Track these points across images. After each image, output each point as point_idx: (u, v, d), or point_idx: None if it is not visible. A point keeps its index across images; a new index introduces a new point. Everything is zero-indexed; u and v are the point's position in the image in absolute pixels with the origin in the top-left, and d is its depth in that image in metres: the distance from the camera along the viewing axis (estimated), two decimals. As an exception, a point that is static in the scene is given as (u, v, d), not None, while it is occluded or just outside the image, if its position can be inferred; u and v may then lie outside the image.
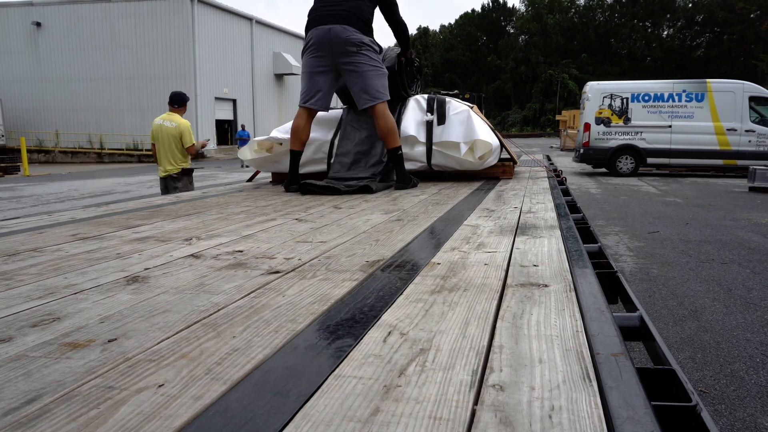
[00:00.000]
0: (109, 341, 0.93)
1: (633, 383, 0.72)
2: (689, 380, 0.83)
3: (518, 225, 2.08)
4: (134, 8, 26.01)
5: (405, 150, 3.86)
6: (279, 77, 32.88)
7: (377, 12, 3.55)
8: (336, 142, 3.87)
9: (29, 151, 23.35)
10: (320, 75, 3.42)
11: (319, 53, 3.37)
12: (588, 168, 16.53)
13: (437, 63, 75.15)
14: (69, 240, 1.95)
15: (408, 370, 0.78)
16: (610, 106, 14.63)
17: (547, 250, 1.61)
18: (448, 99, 4.12)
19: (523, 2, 72.69)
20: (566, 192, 3.49)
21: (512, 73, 67.46)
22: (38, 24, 27.27)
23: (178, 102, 6.02)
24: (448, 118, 3.92)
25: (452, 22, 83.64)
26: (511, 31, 74.59)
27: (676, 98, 14.18)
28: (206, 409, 0.68)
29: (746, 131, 13.76)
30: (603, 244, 1.90)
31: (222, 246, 1.77)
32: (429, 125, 3.92)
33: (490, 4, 75.43)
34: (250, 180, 5.27)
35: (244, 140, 18.11)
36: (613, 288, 1.42)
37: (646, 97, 14.38)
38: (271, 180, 4.51)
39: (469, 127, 3.82)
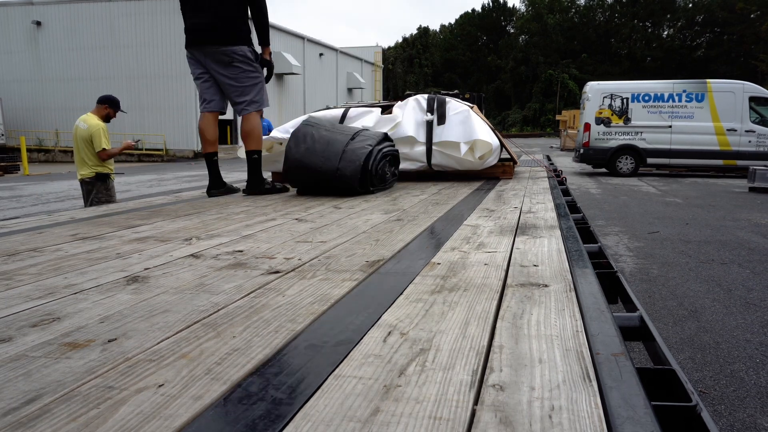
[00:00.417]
0: (109, 341, 0.93)
1: (633, 383, 0.72)
2: (689, 380, 0.82)
3: (518, 225, 2.08)
4: (134, 7, 26.00)
5: (405, 150, 3.86)
6: (279, 77, 32.87)
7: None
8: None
9: (29, 151, 23.35)
10: (206, 82, 3.48)
11: (197, 64, 3.44)
12: (588, 168, 16.53)
13: (437, 63, 75.15)
14: (69, 240, 1.95)
15: (408, 370, 0.78)
16: (610, 106, 14.62)
17: (547, 250, 1.61)
18: (448, 99, 4.12)
19: (524, 2, 72.75)
20: (566, 192, 3.49)
21: (512, 73, 67.47)
22: (38, 23, 27.27)
23: (99, 101, 5.52)
24: (448, 118, 3.92)
25: (452, 21, 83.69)
26: (512, 31, 74.59)
27: (676, 98, 14.18)
28: (206, 409, 0.68)
29: (746, 131, 13.75)
30: (603, 244, 1.90)
31: (222, 246, 1.77)
32: (429, 125, 3.91)
33: (491, 4, 75.43)
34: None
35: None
36: (613, 288, 1.42)
37: (647, 97, 14.37)
38: (271, 180, 4.51)
39: (469, 127, 3.82)
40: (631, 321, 1.09)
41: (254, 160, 3.52)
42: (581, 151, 15.14)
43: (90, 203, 5.39)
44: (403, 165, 3.86)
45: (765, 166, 12.15)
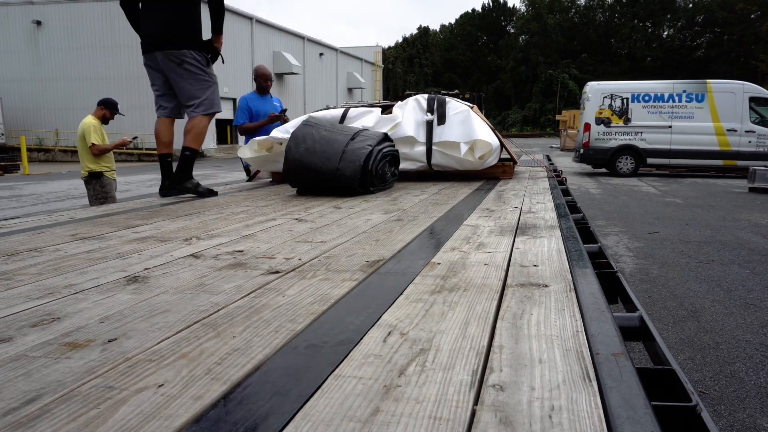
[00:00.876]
0: (109, 341, 0.93)
1: (633, 383, 0.72)
2: (689, 380, 0.83)
3: (518, 225, 2.08)
4: (134, 7, 25.96)
5: (405, 150, 3.86)
6: (279, 76, 32.86)
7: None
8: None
9: (29, 150, 23.34)
10: (160, 89, 3.54)
11: (153, 70, 3.50)
12: (588, 168, 16.53)
13: (437, 63, 75.13)
14: (69, 240, 1.95)
15: (408, 370, 0.78)
16: (610, 106, 14.62)
17: (547, 250, 1.61)
18: (448, 99, 4.12)
19: (524, 2, 72.71)
20: (566, 192, 3.49)
21: (512, 73, 67.44)
22: (38, 23, 27.25)
23: (98, 103, 5.67)
24: (448, 118, 3.92)
25: (452, 21, 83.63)
26: (512, 31, 74.55)
27: (676, 98, 14.18)
28: (206, 409, 0.68)
29: (746, 132, 13.75)
30: (603, 244, 1.90)
31: (222, 246, 1.77)
32: (429, 125, 3.91)
33: (491, 4, 75.41)
34: (250, 179, 5.27)
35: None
36: (613, 288, 1.42)
37: (647, 98, 14.37)
38: (271, 180, 4.51)
39: (469, 127, 3.82)
40: (631, 321, 1.10)
41: (185, 156, 3.54)
42: (581, 151, 15.14)
43: (90, 203, 5.52)
44: (403, 165, 3.86)
45: (765, 166, 12.15)
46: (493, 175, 4.16)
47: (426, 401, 0.69)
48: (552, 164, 5.72)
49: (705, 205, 9.61)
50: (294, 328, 0.98)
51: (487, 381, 0.74)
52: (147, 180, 15.06)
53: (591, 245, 1.83)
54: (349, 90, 43.83)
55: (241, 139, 5.45)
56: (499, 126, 54.17)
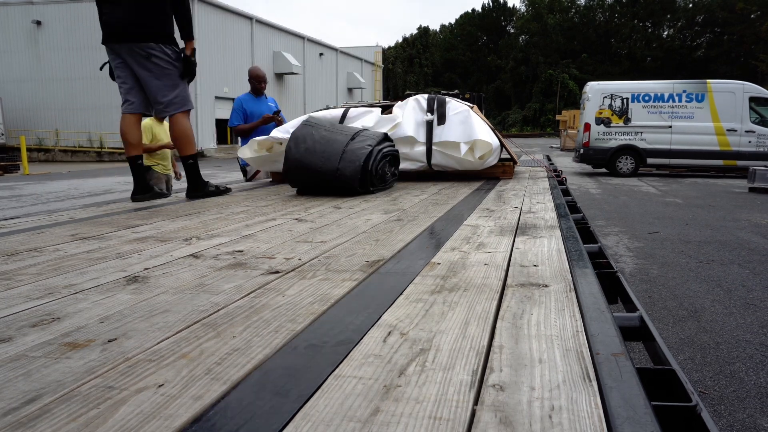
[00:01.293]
0: (109, 341, 0.93)
1: (633, 383, 0.72)
2: (689, 380, 0.83)
3: (518, 225, 2.08)
4: (134, 7, 25.95)
5: (405, 150, 3.86)
6: (279, 76, 32.86)
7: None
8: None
9: (29, 150, 23.33)
10: (126, 82, 3.33)
11: (118, 61, 3.31)
12: (588, 168, 16.52)
13: (437, 63, 75.12)
14: (69, 240, 1.95)
15: (408, 370, 0.78)
16: (610, 106, 14.62)
17: (547, 250, 1.61)
18: (448, 99, 4.12)
19: (524, 2, 72.69)
20: (566, 192, 3.49)
21: (512, 73, 67.43)
22: (38, 22, 27.25)
23: None
24: (448, 118, 3.92)
25: (452, 21, 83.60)
26: (512, 31, 74.54)
27: (677, 98, 14.18)
28: (206, 409, 0.68)
29: (746, 132, 13.75)
30: (603, 244, 1.90)
31: (222, 246, 1.77)
32: (429, 125, 3.91)
33: (491, 4, 75.39)
34: (250, 179, 5.27)
35: None
36: (613, 288, 1.42)
37: (647, 98, 14.37)
38: (271, 180, 4.51)
39: (469, 127, 3.82)
40: (631, 321, 1.10)
41: (191, 165, 3.44)
42: (581, 151, 15.14)
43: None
44: (403, 165, 3.86)
45: (765, 166, 12.15)
46: (493, 175, 4.16)
47: (426, 401, 0.69)
48: (552, 164, 5.72)
49: (705, 205, 9.61)
50: (294, 328, 0.98)
51: (487, 381, 0.74)
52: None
53: (591, 245, 1.83)
54: (349, 90, 43.83)
55: (241, 139, 5.43)
56: (499, 126, 54.17)
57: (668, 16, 63.90)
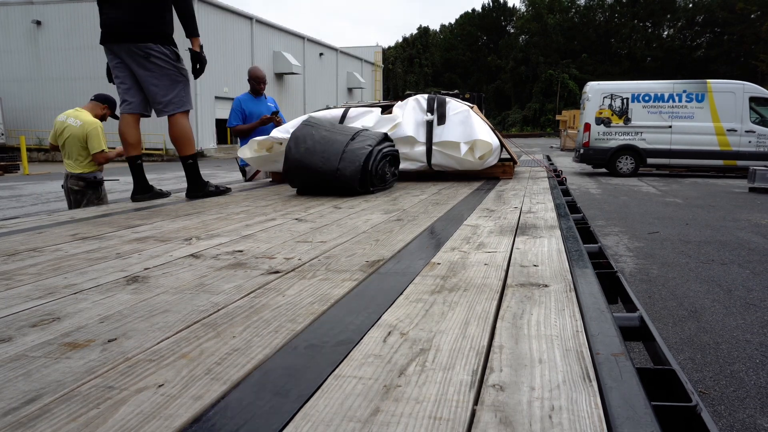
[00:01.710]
0: (109, 341, 0.93)
1: (633, 383, 0.72)
2: (689, 381, 0.82)
3: (518, 225, 2.08)
4: (134, 7, 25.95)
5: (405, 150, 3.86)
6: (279, 76, 32.86)
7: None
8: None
9: (29, 150, 23.33)
10: (124, 82, 3.32)
11: (117, 62, 3.29)
12: (588, 168, 16.52)
13: (437, 63, 75.12)
14: (69, 240, 1.95)
15: (408, 370, 0.78)
16: (610, 106, 14.62)
17: (547, 250, 1.61)
18: (448, 99, 4.12)
19: (524, 2, 72.69)
20: (566, 192, 3.49)
21: (512, 73, 67.43)
22: (38, 22, 27.26)
23: (98, 98, 4.84)
24: (448, 118, 3.92)
25: (452, 21, 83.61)
26: (512, 31, 74.53)
27: (677, 98, 14.18)
28: (206, 409, 0.68)
29: (746, 132, 13.75)
30: (603, 244, 1.90)
31: (222, 246, 1.77)
32: (429, 125, 3.91)
33: (491, 4, 75.39)
34: (250, 179, 5.27)
35: None
36: (613, 288, 1.42)
37: (647, 98, 14.37)
38: (271, 180, 4.51)
39: (469, 127, 3.82)
40: (631, 321, 1.09)
41: (190, 165, 3.43)
42: (581, 151, 15.14)
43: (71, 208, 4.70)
44: (403, 165, 3.86)
45: (765, 166, 12.15)
46: (493, 175, 4.16)
47: (426, 401, 0.69)
48: (552, 164, 5.72)
49: (705, 205, 9.61)
50: (294, 328, 0.97)
51: (487, 381, 0.74)
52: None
53: (591, 245, 1.83)
54: (349, 90, 43.83)
55: (240, 139, 5.43)
56: (499, 126, 54.17)
57: (668, 16, 63.89)
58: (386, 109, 4.18)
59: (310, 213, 2.53)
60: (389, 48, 77.24)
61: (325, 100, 36.04)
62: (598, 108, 14.66)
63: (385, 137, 3.53)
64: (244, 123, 5.20)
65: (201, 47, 3.38)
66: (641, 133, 14.43)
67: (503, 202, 2.79)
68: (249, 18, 30.53)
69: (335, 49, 41.17)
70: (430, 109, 3.97)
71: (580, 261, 1.48)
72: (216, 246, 1.77)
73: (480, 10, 76.13)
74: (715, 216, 8.38)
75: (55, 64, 27.52)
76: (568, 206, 2.76)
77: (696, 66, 56.75)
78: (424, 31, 78.86)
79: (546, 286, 1.22)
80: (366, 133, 3.44)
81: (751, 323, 3.89)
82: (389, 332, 0.94)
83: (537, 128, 58.69)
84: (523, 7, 73.67)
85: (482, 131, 3.80)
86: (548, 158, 6.83)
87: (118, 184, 10.16)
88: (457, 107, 4.00)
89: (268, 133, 4.07)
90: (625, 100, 14.52)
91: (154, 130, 26.16)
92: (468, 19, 76.40)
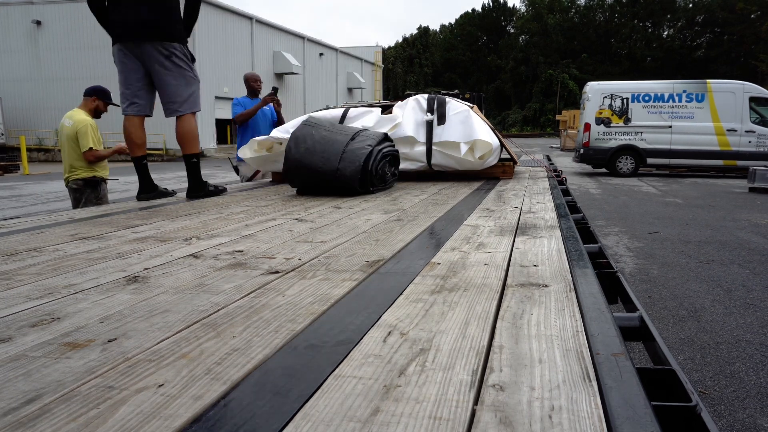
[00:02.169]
0: (109, 341, 0.93)
1: (633, 383, 0.72)
2: (689, 381, 0.82)
3: (518, 225, 2.08)
4: (134, 7, 25.95)
5: (405, 150, 3.86)
6: (279, 76, 32.88)
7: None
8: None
9: (29, 150, 23.34)
10: (139, 81, 3.32)
11: (133, 61, 3.28)
12: (588, 168, 16.52)
13: (437, 63, 75.12)
14: (68, 240, 1.95)
15: (408, 370, 0.78)
16: (610, 106, 14.62)
17: (547, 250, 1.61)
18: (448, 99, 4.12)
19: (524, 2, 72.71)
20: (566, 192, 3.49)
21: (512, 73, 67.44)
22: (38, 22, 27.26)
23: (86, 92, 4.71)
24: (448, 118, 3.92)
25: (452, 21, 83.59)
26: (512, 31, 74.54)
27: (677, 98, 14.18)
28: (206, 409, 0.68)
29: (746, 132, 13.75)
30: (603, 244, 1.90)
31: (222, 246, 1.77)
32: (429, 125, 3.91)
33: (491, 4, 75.39)
34: (250, 179, 5.27)
35: None
36: (613, 288, 1.42)
37: (647, 98, 14.38)
38: (271, 180, 4.51)
39: (469, 127, 3.82)
40: (631, 321, 1.09)
41: (193, 164, 3.45)
42: (581, 151, 15.14)
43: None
44: (403, 165, 3.86)
45: (765, 166, 12.15)
46: (493, 175, 4.16)
47: (426, 401, 0.69)
48: (552, 164, 5.72)
49: (705, 205, 9.61)
50: (294, 328, 0.97)
51: (487, 381, 0.74)
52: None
53: (591, 245, 1.83)
54: (349, 90, 43.84)
55: (239, 140, 5.48)
56: (499, 126, 54.16)
57: (668, 16, 63.90)
58: (386, 109, 4.18)
59: (310, 213, 2.53)
60: (389, 48, 77.27)
61: (325, 100, 36.05)
62: (598, 108, 14.66)
63: (385, 137, 3.53)
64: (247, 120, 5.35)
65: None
66: (641, 133, 14.43)
67: (503, 202, 2.79)
68: (249, 18, 30.53)
69: (335, 49, 41.18)
70: (430, 109, 3.97)
71: (580, 261, 1.48)
72: (216, 246, 1.77)
73: (480, 10, 76.17)
74: (715, 216, 8.39)
75: (55, 64, 27.52)
76: (568, 206, 2.76)
77: (696, 66, 56.76)
78: (424, 31, 78.86)
79: (546, 286, 1.22)
80: (366, 133, 3.44)
81: (751, 323, 3.89)
82: (389, 332, 0.94)
83: (537, 128, 58.69)
84: (523, 7, 73.72)
85: (482, 131, 3.80)
86: (548, 158, 6.83)
87: (118, 184, 10.16)
88: (457, 107, 4.00)
89: (268, 133, 4.08)
90: (625, 100, 14.52)
91: (154, 130, 26.19)
92: (468, 19, 76.40)
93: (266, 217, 2.41)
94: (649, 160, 14.57)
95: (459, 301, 1.12)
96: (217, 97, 27.78)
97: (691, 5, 63.14)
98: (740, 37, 55.41)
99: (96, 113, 4.70)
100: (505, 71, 69.06)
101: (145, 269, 1.46)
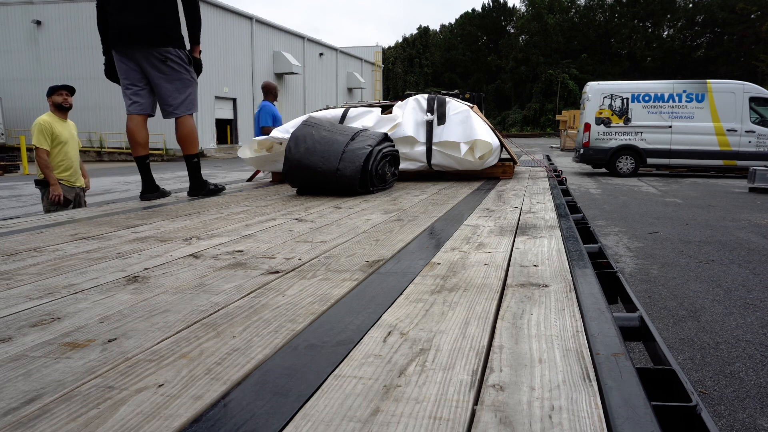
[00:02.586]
0: (109, 341, 0.93)
1: (633, 383, 0.72)
2: (689, 381, 0.82)
3: (518, 225, 2.07)
4: (134, 7, 25.95)
5: (405, 150, 3.86)
6: (279, 76, 32.87)
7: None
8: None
9: (29, 150, 23.32)
10: (138, 83, 3.35)
11: (132, 65, 3.31)
12: (588, 168, 16.52)
13: (437, 63, 75.11)
14: (68, 240, 1.95)
15: (408, 370, 0.78)
16: (610, 106, 14.62)
17: (547, 250, 1.61)
18: (448, 99, 4.12)
19: (524, 2, 72.67)
20: (566, 192, 3.49)
21: (512, 73, 67.42)
22: (38, 22, 27.25)
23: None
24: (449, 117, 3.92)
25: (452, 21, 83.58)
26: (512, 30, 74.51)
27: (677, 98, 14.18)
28: (206, 409, 0.68)
29: (746, 132, 13.74)
30: (603, 244, 1.90)
31: (222, 246, 1.77)
32: (429, 125, 3.91)
33: (491, 4, 75.36)
34: (249, 180, 5.27)
35: None
36: (613, 288, 1.42)
37: (647, 98, 14.37)
38: (271, 180, 4.51)
39: (469, 127, 3.82)
40: (631, 321, 1.09)
41: (194, 164, 3.48)
42: (581, 151, 15.14)
43: (44, 209, 4.69)
44: (403, 165, 3.86)
45: (765, 166, 12.14)
46: (493, 175, 4.16)
47: (426, 401, 0.69)
48: (552, 164, 5.72)
49: (705, 205, 9.61)
50: (294, 328, 0.97)
51: (487, 381, 0.74)
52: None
53: (591, 245, 1.83)
54: (349, 90, 43.84)
55: (241, 138, 5.66)
56: (499, 126, 54.16)
57: (668, 16, 63.89)
58: (386, 109, 4.19)
59: (310, 213, 2.53)
60: (389, 48, 77.25)
61: (325, 100, 36.05)
62: (598, 108, 14.66)
63: (385, 137, 3.53)
64: (274, 125, 6.13)
65: (200, 53, 3.48)
66: (641, 133, 14.43)
67: (503, 202, 2.79)
68: (249, 18, 30.53)
69: (335, 49, 41.17)
70: (430, 109, 3.97)
71: (580, 261, 1.48)
72: (216, 246, 1.77)
73: (480, 10, 76.11)
74: (714, 216, 8.38)
75: (55, 64, 27.51)
76: (568, 206, 2.76)
77: (696, 66, 56.77)
78: (424, 31, 78.84)
79: (546, 286, 1.22)
80: (366, 133, 3.44)
81: (751, 323, 3.89)
82: (389, 332, 0.94)
83: (537, 128, 58.68)
84: (523, 7, 73.68)
85: (482, 131, 3.80)
86: (548, 158, 6.83)
87: (118, 184, 10.15)
88: (457, 107, 4.00)
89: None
90: (625, 100, 14.52)
91: (154, 130, 26.20)
92: (468, 19, 76.38)
93: (266, 217, 2.41)
94: (649, 160, 14.56)
95: (459, 301, 1.12)
96: (217, 97, 27.78)
97: (691, 5, 63.13)
98: (740, 38, 55.40)
99: (58, 108, 4.71)
100: (505, 71, 69.05)
101: (145, 269, 1.46)
